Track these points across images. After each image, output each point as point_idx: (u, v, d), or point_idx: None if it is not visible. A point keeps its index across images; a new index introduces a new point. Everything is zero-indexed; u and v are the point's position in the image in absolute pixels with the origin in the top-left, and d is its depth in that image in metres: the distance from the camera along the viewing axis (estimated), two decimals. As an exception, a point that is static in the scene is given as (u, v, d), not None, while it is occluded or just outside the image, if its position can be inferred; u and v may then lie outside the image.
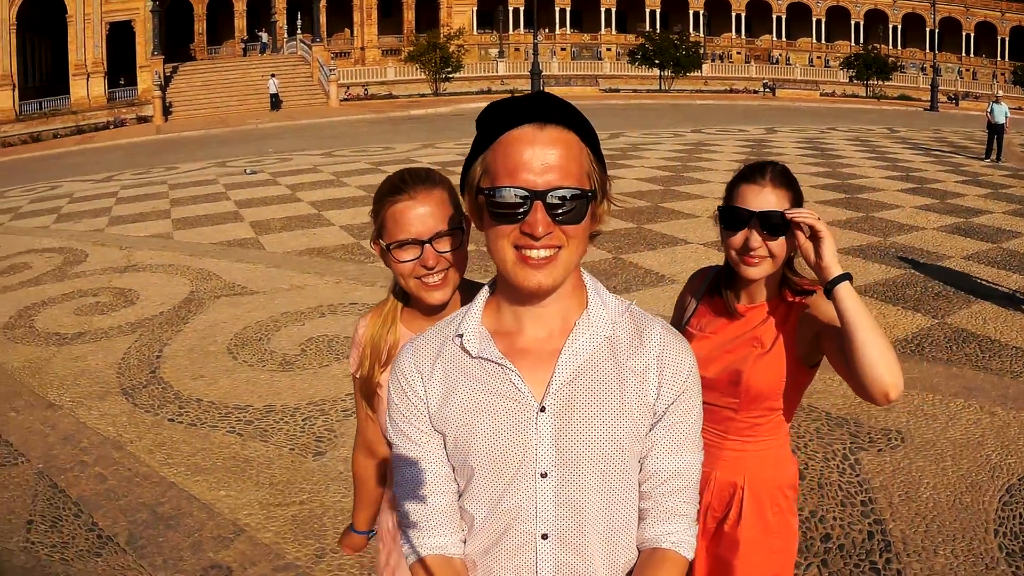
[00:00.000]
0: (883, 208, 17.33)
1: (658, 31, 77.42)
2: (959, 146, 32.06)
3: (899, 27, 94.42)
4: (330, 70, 61.24)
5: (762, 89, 73.74)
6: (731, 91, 74.52)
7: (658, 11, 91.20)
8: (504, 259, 2.05)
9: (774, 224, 2.97)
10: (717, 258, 11.56)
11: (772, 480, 3.22)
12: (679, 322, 3.44)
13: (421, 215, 2.66)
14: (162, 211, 19.97)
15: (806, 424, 7.17)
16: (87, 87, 69.78)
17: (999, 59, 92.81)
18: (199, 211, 19.43)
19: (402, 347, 2.31)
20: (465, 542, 2.25)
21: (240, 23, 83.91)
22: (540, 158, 1.98)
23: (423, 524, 2.23)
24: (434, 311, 2.79)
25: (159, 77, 61.90)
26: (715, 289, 3.30)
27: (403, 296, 2.89)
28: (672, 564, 2.18)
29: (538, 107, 2.03)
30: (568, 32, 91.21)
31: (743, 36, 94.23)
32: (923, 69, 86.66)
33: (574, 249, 2.06)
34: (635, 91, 70.60)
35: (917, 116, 54.46)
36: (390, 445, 2.34)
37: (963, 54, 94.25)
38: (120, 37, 72.10)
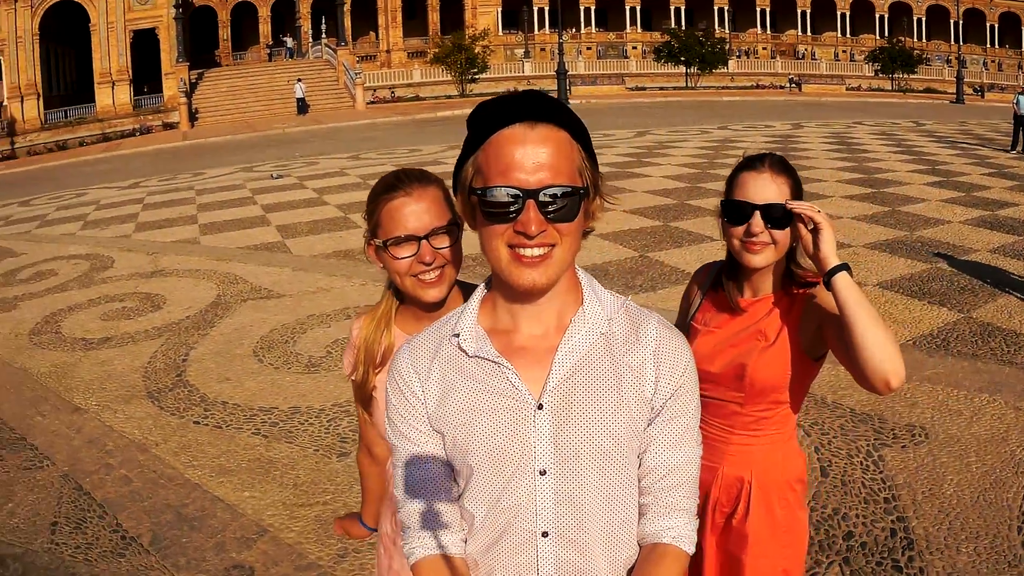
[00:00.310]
0: (909, 202, 17.22)
1: (683, 28, 77.15)
2: (985, 138, 31.82)
3: (923, 19, 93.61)
4: (356, 73, 61.33)
5: (788, 84, 73.37)
6: (757, 87, 74.22)
7: (683, 8, 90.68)
8: (498, 258, 2.07)
9: (776, 215, 3.00)
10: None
11: (779, 474, 3.22)
12: (684, 317, 3.45)
13: (417, 212, 2.67)
14: (189, 216, 20.07)
15: (830, 421, 7.14)
16: (112, 95, 70.17)
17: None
18: (226, 216, 19.53)
19: (398, 348, 2.33)
20: (466, 541, 2.27)
21: (265, 29, 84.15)
22: (531, 157, 1.99)
23: (424, 524, 2.25)
24: (430, 310, 2.80)
25: (184, 84, 62.22)
26: (719, 283, 3.31)
27: (397, 297, 2.92)
28: (673, 559, 2.20)
29: (528, 106, 2.04)
30: (593, 31, 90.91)
31: (768, 31, 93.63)
32: (948, 61, 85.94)
33: (567, 247, 2.07)
34: (661, 89, 70.41)
35: (943, 109, 54.04)
36: (390, 447, 2.36)
37: (988, 45, 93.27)
38: (144, 45, 72.43)
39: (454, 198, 2.21)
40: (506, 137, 2.01)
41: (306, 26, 79.94)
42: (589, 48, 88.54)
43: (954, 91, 64.25)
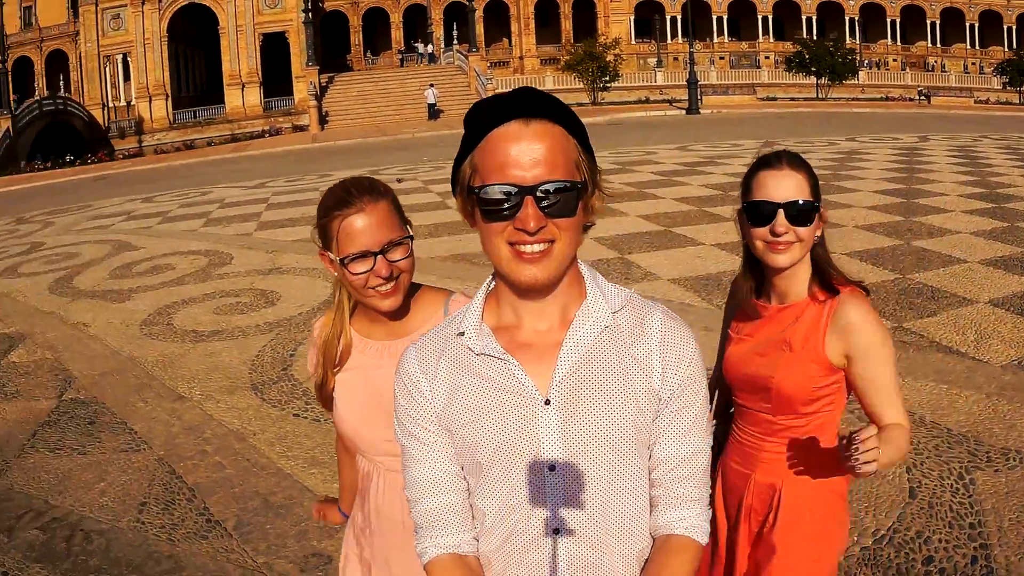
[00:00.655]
0: (1030, 219, 16.68)
1: (814, 38, 76.21)
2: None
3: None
4: (487, 79, 61.77)
5: (917, 97, 71.76)
6: (887, 99, 72.71)
7: (814, 18, 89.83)
8: (499, 256, 2.09)
9: (800, 212, 3.03)
10: (852, 267, 11.37)
11: (812, 485, 3.16)
12: (725, 326, 3.47)
13: (371, 227, 2.74)
14: (311, 217, 20.22)
15: (926, 441, 6.90)
16: (242, 97, 72.10)
17: None
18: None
19: (406, 349, 2.35)
20: (478, 539, 2.28)
21: (397, 34, 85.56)
22: (527, 153, 2.01)
23: (435, 523, 2.26)
24: (385, 314, 2.87)
25: (314, 87, 63.38)
26: (757, 292, 3.29)
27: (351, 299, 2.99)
28: (686, 550, 2.20)
29: (523, 103, 2.06)
30: (726, 40, 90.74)
31: (898, 43, 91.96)
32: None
33: (567, 241, 2.09)
34: (792, 99, 69.49)
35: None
36: (405, 444, 2.35)
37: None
38: (274, 48, 74.36)
39: (454, 198, 2.22)
40: (502, 135, 2.04)
41: (438, 32, 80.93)
42: (722, 58, 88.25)
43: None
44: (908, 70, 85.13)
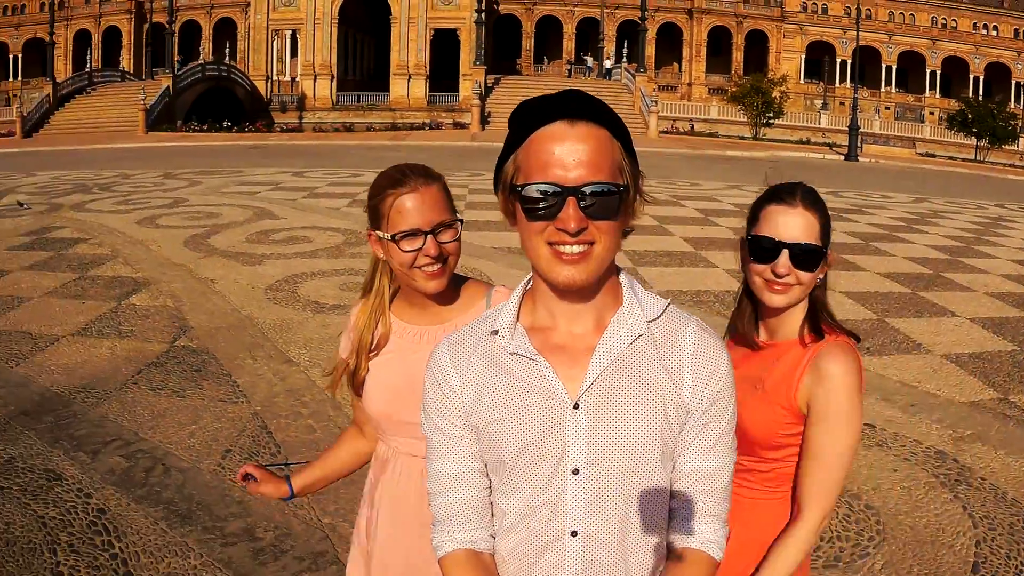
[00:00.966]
0: None
1: (979, 99, 74.53)
2: None
3: None
4: (651, 101, 61.61)
5: (1081, 171, 69.55)
6: (1047, 169, 70.70)
7: (981, 78, 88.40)
8: (538, 256, 2.09)
9: (806, 255, 2.89)
10: (972, 334, 11.10)
11: (759, 534, 2.97)
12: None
13: (423, 207, 2.81)
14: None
15: (1003, 517, 6.26)
16: (407, 87, 73.31)
17: None
18: (489, 216, 19.88)
19: (438, 343, 2.37)
20: (495, 537, 2.30)
21: (568, 45, 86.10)
22: (571, 154, 2.02)
23: (453, 518, 2.28)
24: (428, 300, 2.94)
25: (479, 86, 63.98)
26: (751, 322, 3.14)
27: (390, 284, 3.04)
28: (701, 565, 2.20)
29: (568, 104, 2.07)
30: (893, 91, 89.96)
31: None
32: None
33: (607, 244, 2.08)
34: (951, 158, 67.72)
35: None
36: (431, 438, 2.37)
37: None
38: (445, 43, 75.49)
39: (496, 196, 2.22)
40: (546, 135, 2.04)
41: (609, 48, 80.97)
42: (887, 108, 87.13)
43: None
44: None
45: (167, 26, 64.96)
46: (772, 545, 2.82)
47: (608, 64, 76.76)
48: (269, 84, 74.93)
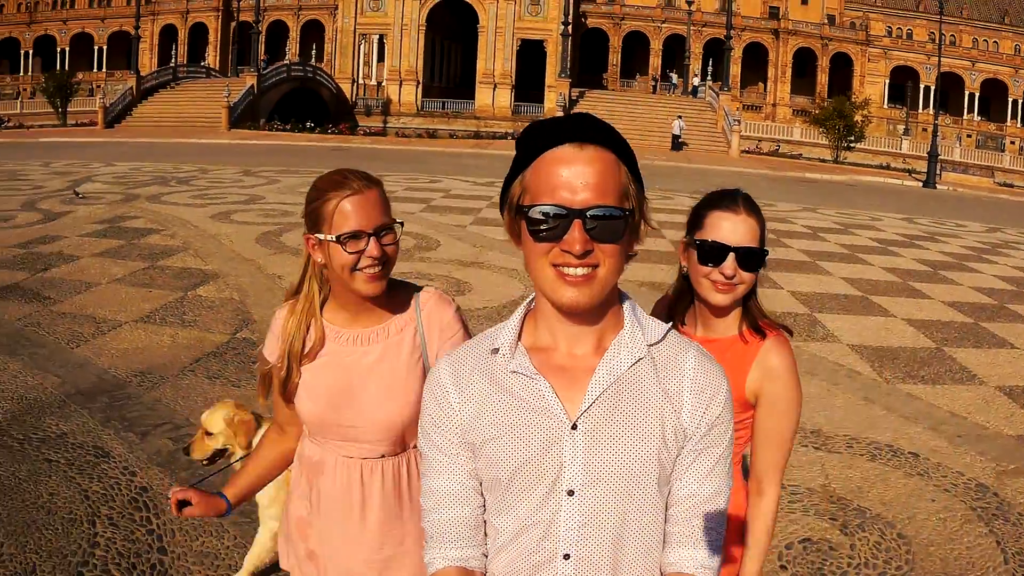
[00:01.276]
0: None
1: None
2: None
3: None
4: (735, 120, 61.21)
5: None
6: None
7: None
8: (542, 277, 2.12)
9: (752, 257, 3.15)
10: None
11: None
12: None
13: (366, 209, 2.86)
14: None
15: None
16: (492, 96, 73.62)
17: None
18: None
19: (439, 359, 2.40)
20: (487, 556, 2.32)
21: (655, 61, 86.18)
22: (579, 177, 2.05)
23: (446, 535, 2.30)
24: (362, 305, 2.99)
25: (564, 98, 64.16)
26: (671, 319, 3.34)
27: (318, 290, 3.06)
28: None
29: (577, 127, 2.10)
30: (975, 119, 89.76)
31: None
32: None
33: (611, 268, 2.11)
34: (1028, 188, 67.11)
35: None
36: (427, 454, 2.38)
37: None
38: (531, 54, 75.63)
39: (501, 215, 2.26)
40: (554, 157, 2.08)
41: (695, 66, 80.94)
42: (969, 135, 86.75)
43: None
44: None
45: (254, 25, 65.83)
46: (748, 525, 3.09)
47: (695, 82, 76.73)
48: (354, 87, 75.40)
